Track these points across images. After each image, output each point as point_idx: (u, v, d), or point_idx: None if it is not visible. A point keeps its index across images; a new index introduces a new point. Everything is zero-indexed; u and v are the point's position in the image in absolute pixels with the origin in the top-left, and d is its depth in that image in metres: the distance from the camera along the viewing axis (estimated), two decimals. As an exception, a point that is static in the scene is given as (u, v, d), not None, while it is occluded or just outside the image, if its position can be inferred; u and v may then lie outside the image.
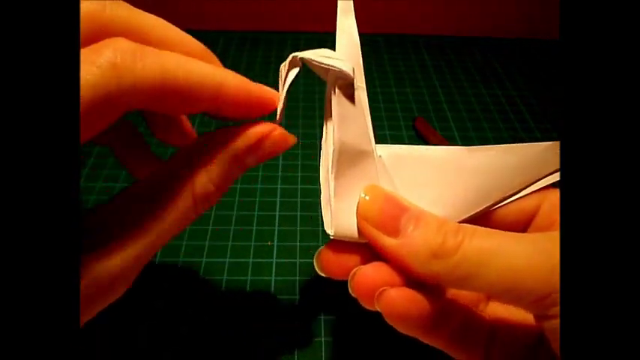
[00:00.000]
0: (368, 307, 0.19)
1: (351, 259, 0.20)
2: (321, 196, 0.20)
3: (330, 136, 0.20)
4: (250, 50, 0.55)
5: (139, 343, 0.27)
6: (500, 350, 0.20)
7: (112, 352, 0.26)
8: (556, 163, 0.20)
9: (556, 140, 0.20)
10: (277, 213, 0.35)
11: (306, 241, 0.33)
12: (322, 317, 0.28)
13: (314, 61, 0.19)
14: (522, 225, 0.21)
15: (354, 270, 0.19)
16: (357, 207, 0.19)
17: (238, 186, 0.37)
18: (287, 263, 0.31)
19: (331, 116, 0.19)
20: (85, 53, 0.15)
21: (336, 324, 0.28)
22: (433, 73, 0.53)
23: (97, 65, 0.15)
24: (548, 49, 0.58)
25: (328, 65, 0.19)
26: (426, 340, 0.20)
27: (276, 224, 0.34)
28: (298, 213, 0.35)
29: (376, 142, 0.21)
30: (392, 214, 0.18)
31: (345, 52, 0.20)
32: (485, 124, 0.45)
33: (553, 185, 0.21)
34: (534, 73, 0.53)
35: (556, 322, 0.16)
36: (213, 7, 0.57)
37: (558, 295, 0.15)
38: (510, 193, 0.21)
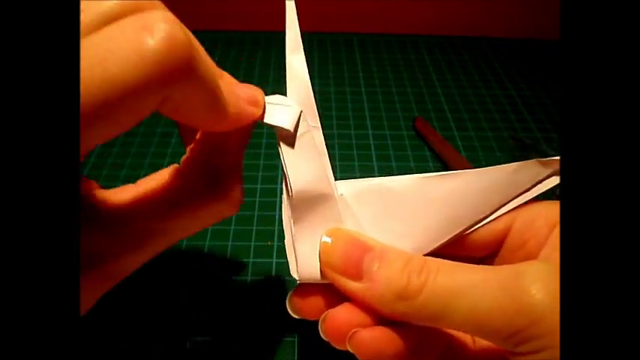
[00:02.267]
0: (341, 348, 0.19)
1: (320, 300, 0.20)
2: (285, 240, 0.20)
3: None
4: (250, 50, 0.55)
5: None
6: None
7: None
8: (526, 182, 0.20)
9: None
10: (277, 213, 0.35)
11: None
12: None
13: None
14: (494, 246, 0.21)
15: (324, 314, 0.19)
16: (319, 252, 0.19)
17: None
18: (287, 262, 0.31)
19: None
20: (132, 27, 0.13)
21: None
22: (433, 73, 0.53)
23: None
24: (548, 49, 0.57)
25: (268, 124, 0.19)
26: None
27: (276, 224, 0.34)
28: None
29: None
30: (354, 258, 0.18)
31: (296, 94, 0.19)
32: (485, 124, 0.45)
33: (550, 195, 0.20)
34: (534, 73, 0.53)
35: (525, 359, 0.16)
36: (213, 7, 0.57)
37: (525, 334, 0.15)
38: (481, 217, 0.20)
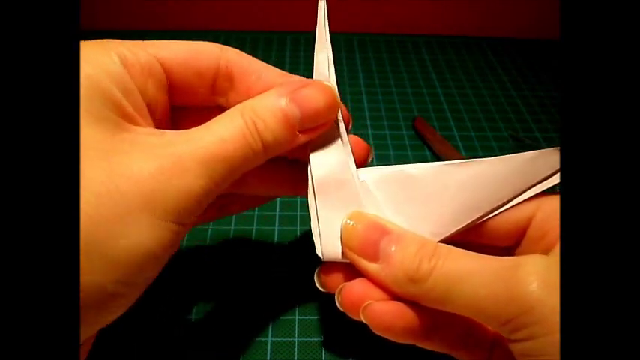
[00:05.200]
0: (355, 318, 0.20)
1: (341, 277, 0.21)
2: (311, 221, 0.21)
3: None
4: (250, 50, 0.55)
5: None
6: (500, 355, 0.20)
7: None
8: (545, 171, 0.20)
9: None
10: (277, 213, 0.35)
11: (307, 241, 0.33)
12: (319, 317, 0.28)
13: None
14: (517, 235, 0.21)
15: (341, 286, 0.21)
16: (341, 234, 0.20)
17: (238, 186, 0.37)
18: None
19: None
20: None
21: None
22: (433, 73, 0.53)
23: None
24: (548, 49, 0.57)
25: None
26: (422, 346, 0.20)
27: (276, 224, 0.34)
28: (298, 213, 0.35)
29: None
30: (373, 241, 0.20)
31: None
32: (485, 124, 0.45)
33: (550, 191, 0.21)
34: (534, 73, 0.53)
35: (519, 345, 0.17)
36: (212, 7, 0.57)
37: (519, 321, 0.16)
38: (498, 204, 0.21)
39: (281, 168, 0.24)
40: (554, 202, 0.20)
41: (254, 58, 0.22)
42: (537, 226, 0.20)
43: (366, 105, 0.46)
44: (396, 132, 0.43)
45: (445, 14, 0.59)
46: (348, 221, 0.20)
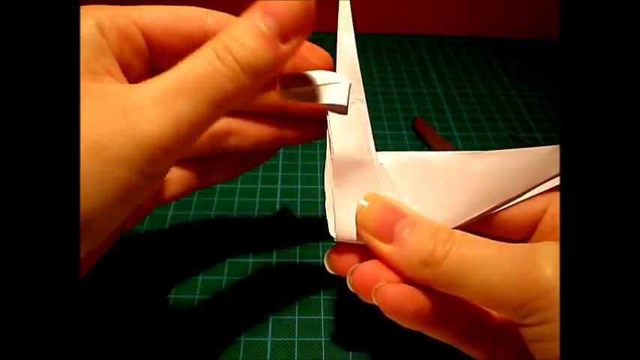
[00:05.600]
0: (366, 300, 0.20)
1: (354, 259, 0.21)
2: (326, 200, 0.22)
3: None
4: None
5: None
6: (505, 349, 0.21)
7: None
8: (557, 166, 0.21)
9: (557, 139, 0.20)
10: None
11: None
12: (322, 317, 0.28)
13: (304, 100, 0.21)
14: (529, 229, 0.21)
15: (353, 267, 0.21)
16: (357, 214, 0.20)
17: (238, 186, 0.37)
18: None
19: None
20: None
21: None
22: (433, 73, 0.53)
23: None
24: (548, 49, 0.57)
25: (326, 104, 0.21)
26: (431, 335, 0.20)
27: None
28: (298, 213, 0.35)
29: (376, 144, 0.21)
30: (388, 223, 0.19)
31: (344, 67, 0.21)
32: (485, 124, 0.45)
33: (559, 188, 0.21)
34: (534, 73, 0.53)
35: (530, 330, 0.17)
36: (212, 7, 0.57)
37: (532, 306, 0.16)
38: (513, 196, 0.21)
39: (265, 120, 0.24)
40: None
41: None
42: (548, 220, 0.21)
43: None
44: (396, 132, 0.43)
45: (445, 14, 0.59)
46: (364, 202, 0.20)
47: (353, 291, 0.21)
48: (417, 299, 0.19)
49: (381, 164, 0.21)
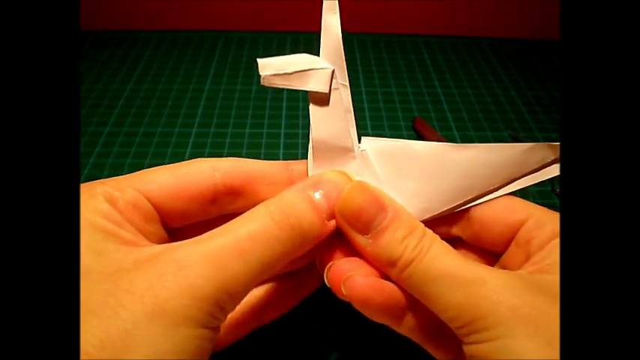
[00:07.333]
0: (339, 295, 0.20)
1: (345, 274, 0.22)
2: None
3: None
4: (250, 50, 0.55)
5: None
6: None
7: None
8: (534, 163, 0.21)
9: (556, 141, 0.20)
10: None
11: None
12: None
13: (284, 85, 0.20)
14: (507, 237, 0.22)
15: (329, 264, 0.21)
16: (339, 200, 0.20)
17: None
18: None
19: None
20: None
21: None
22: (433, 73, 0.53)
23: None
24: (548, 49, 0.57)
25: (298, 89, 0.21)
26: (398, 330, 0.21)
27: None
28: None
29: None
30: (367, 214, 0.20)
31: (328, 53, 0.21)
32: (485, 124, 0.45)
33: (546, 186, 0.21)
34: (534, 73, 0.53)
35: (470, 348, 0.18)
36: (212, 7, 0.57)
37: (471, 327, 0.17)
38: (490, 189, 0.21)
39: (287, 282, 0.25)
40: (547, 215, 0.21)
41: (249, 160, 0.22)
42: (525, 231, 0.21)
43: (366, 105, 0.46)
44: (396, 132, 0.43)
45: (445, 14, 0.59)
46: (348, 190, 0.20)
47: (328, 286, 0.21)
48: (385, 291, 0.20)
49: (363, 150, 0.22)
